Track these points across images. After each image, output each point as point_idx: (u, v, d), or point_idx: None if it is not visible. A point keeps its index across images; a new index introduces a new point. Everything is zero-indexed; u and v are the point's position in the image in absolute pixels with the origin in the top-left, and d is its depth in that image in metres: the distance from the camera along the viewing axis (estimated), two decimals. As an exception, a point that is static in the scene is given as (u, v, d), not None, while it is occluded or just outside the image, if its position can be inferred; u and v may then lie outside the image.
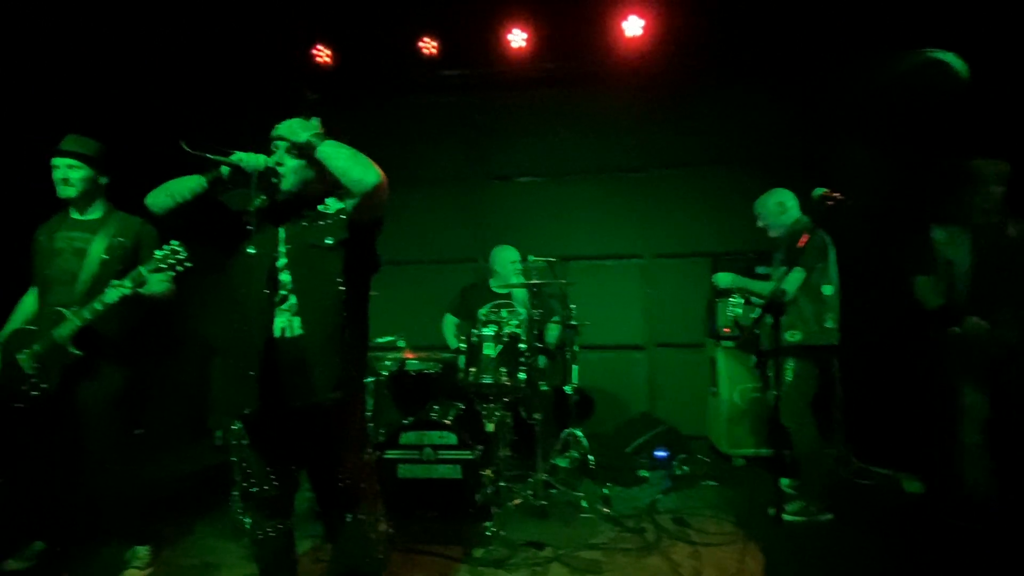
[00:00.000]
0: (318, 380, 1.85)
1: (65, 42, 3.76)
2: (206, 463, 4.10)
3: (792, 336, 3.04)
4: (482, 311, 3.78)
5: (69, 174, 2.54)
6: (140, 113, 4.14)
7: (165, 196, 1.85)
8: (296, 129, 1.89)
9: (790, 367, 3.06)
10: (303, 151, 1.87)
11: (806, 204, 3.24)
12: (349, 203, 1.92)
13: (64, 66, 3.81)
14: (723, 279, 3.30)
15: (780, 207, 3.24)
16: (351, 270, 1.93)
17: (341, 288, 1.89)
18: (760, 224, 3.34)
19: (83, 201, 2.60)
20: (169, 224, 1.96)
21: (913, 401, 3.62)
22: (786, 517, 2.97)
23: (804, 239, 2.32)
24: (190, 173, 1.86)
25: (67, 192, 2.55)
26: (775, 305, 2.15)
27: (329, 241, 1.90)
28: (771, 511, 2.69)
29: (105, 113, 3.67)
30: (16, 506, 2.79)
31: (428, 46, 4.46)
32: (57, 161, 2.54)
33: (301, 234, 1.92)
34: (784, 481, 3.39)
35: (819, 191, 2.20)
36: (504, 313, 3.71)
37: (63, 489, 2.71)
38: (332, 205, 1.97)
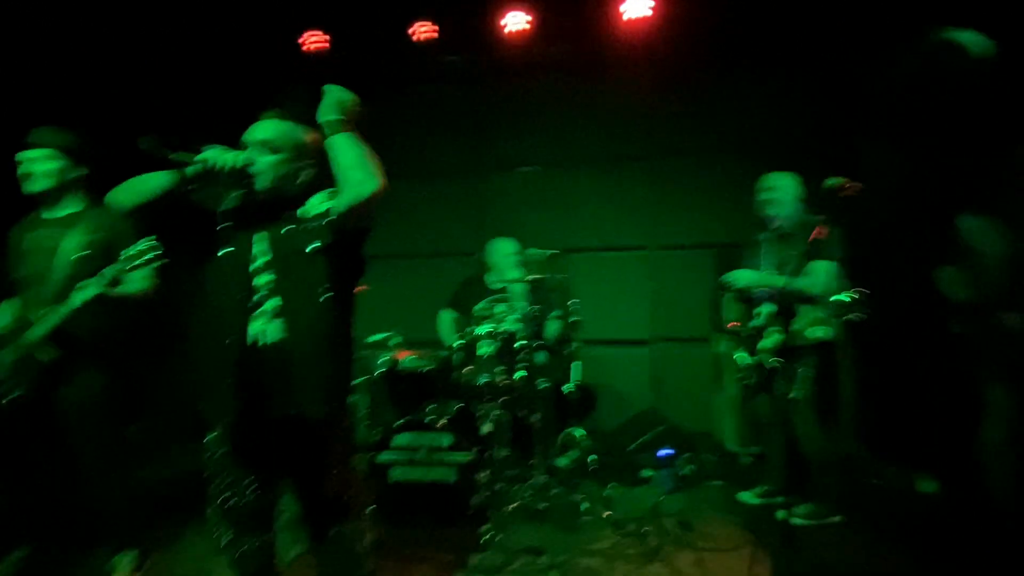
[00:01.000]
0: (303, 391, 1.75)
1: (41, 34, 3.64)
2: (200, 463, 4.02)
3: (814, 333, 2.87)
4: (478, 307, 3.66)
5: (33, 168, 2.42)
6: (123, 104, 4.01)
7: (130, 193, 1.75)
8: (330, 105, 1.73)
9: (811, 366, 2.90)
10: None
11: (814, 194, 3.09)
12: (338, 204, 1.77)
13: (41, 58, 3.69)
14: (743, 277, 3.03)
15: (799, 193, 3.07)
16: (336, 275, 1.82)
17: (326, 295, 1.79)
18: (766, 197, 3.08)
19: (52, 197, 2.49)
20: (137, 222, 1.85)
21: (929, 396, 3.49)
22: (796, 521, 2.85)
23: (818, 230, 2.17)
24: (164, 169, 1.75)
25: (31, 187, 2.44)
26: (784, 303, 2.00)
27: (313, 246, 1.78)
28: (780, 515, 2.58)
29: (87, 104, 3.56)
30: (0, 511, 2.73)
31: (424, 31, 4.30)
32: (20, 156, 2.43)
33: (283, 240, 1.80)
34: (759, 490, 3.27)
35: (832, 181, 2.04)
36: (501, 308, 3.60)
37: (47, 494, 2.64)
38: (315, 207, 1.84)
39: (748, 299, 3.12)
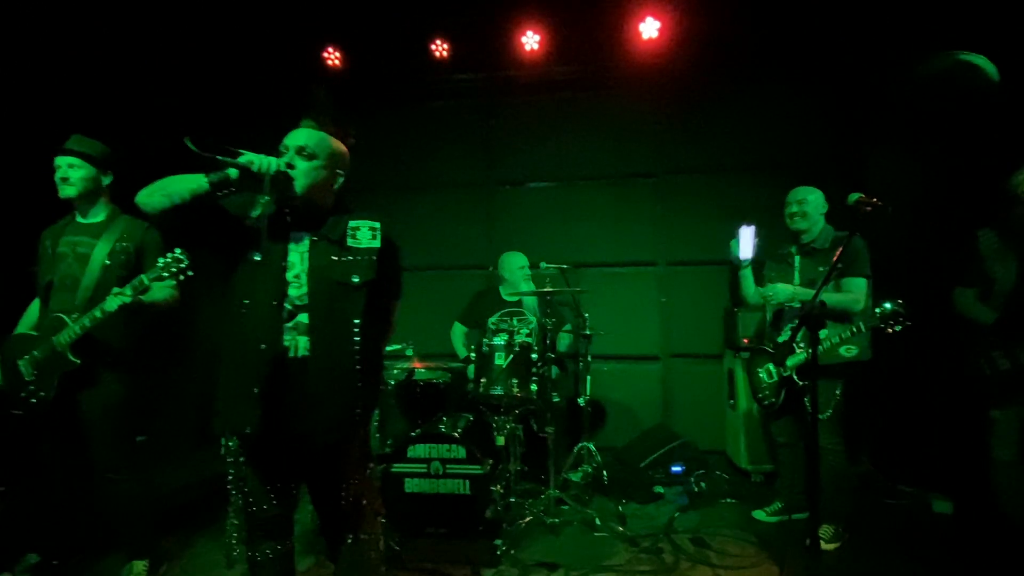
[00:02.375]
0: (321, 414, 1.77)
1: (78, 43, 3.72)
2: (211, 471, 4.01)
3: (848, 351, 2.80)
4: (492, 319, 3.68)
5: (69, 173, 2.48)
6: (147, 115, 4.09)
7: (161, 196, 1.69)
8: None
9: (841, 384, 2.84)
10: None
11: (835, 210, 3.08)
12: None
13: (74, 67, 3.77)
14: (782, 291, 2.91)
15: (825, 208, 3.01)
16: (373, 305, 1.85)
17: (360, 326, 1.81)
18: (796, 210, 2.98)
19: (85, 202, 2.54)
20: (163, 226, 1.85)
21: (942, 416, 3.47)
22: (826, 548, 2.78)
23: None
24: (195, 173, 1.72)
25: (67, 192, 2.49)
26: (813, 317, 1.99)
27: (355, 280, 1.82)
28: (808, 541, 2.54)
29: (114, 115, 3.62)
30: (12, 516, 2.72)
31: (440, 49, 4.39)
32: (58, 160, 2.49)
33: (328, 268, 1.82)
34: (772, 507, 3.24)
35: (855, 196, 2.05)
36: (515, 322, 3.61)
37: (61, 500, 2.63)
38: (364, 240, 1.87)
39: (778, 314, 3.05)
